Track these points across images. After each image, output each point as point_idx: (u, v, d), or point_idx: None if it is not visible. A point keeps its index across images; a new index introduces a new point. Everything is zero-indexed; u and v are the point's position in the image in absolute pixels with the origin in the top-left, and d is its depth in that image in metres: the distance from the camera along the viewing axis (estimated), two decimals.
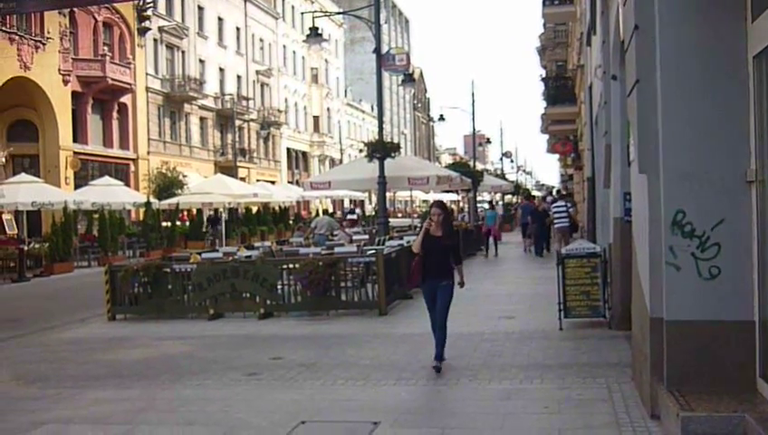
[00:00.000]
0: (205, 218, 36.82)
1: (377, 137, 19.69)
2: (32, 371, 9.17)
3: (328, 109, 74.15)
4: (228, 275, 12.50)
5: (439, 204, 8.62)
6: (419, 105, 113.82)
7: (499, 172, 68.45)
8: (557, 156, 55.44)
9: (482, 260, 23.87)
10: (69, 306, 15.85)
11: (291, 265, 12.64)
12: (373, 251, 13.47)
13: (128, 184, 37.68)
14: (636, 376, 6.93)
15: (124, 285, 12.82)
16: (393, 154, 19.57)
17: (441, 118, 44.93)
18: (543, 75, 43.09)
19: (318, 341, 10.23)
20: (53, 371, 9.04)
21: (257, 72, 58.84)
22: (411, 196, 37.33)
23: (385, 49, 20.68)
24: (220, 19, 53.19)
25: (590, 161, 17.19)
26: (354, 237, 19.63)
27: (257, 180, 51.14)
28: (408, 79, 22.85)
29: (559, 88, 32.38)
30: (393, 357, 8.93)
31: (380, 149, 19.11)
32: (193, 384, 8.02)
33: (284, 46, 65.18)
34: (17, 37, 33.00)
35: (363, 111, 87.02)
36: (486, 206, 38.86)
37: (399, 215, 62.01)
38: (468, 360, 8.57)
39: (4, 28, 31.75)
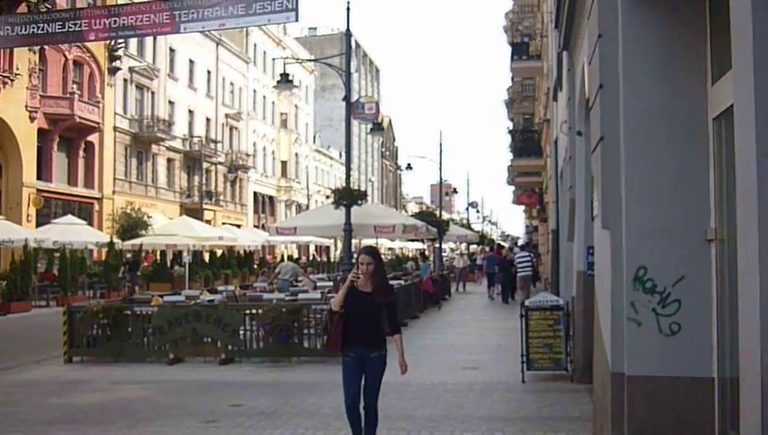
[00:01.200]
0: (123, 261, 33.01)
1: (344, 184, 19.75)
2: None
3: (296, 154, 74.35)
4: (190, 319, 12.35)
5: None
6: (387, 153, 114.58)
7: (465, 222, 68.90)
8: (522, 207, 56.08)
9: (446, 309, 23.84)
10: (24, 347, 15.51)
11: (254, 311, 12.54)
12: None
13: (91, 223, 37.24)
14: (596, 430, 6.94)
15: (83, 327, 12.60)
16: (360, 202, 19.61)
17: (408, 167, 45.26)
18: (510, 128, 43.75)
19: (279, 388, 10.11)
20: (4, 414, 8.79)
21: (226, 116, 58.91)
22: (377, 243, 37.30)
23: (355, 97, 20.87)
24: (191, 61, 53.34)
25: (555, 214, 17.40)
26: (318, 284, 19.60)
27: (223, 223, 50.90)
28: (377, 128, 23.03)
29: (525, 141, 32.89)
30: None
31: (347, 197, 19.14)
32: (149, 431, 7.86)
33: (254, 90, 65.47)
34: None
35: (331, 158, 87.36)
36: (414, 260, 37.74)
37: None
38: (430, 410, 8.51)
39: None
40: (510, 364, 11.04)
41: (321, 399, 9.31)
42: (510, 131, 40.69)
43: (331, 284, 19.75)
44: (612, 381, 5.90)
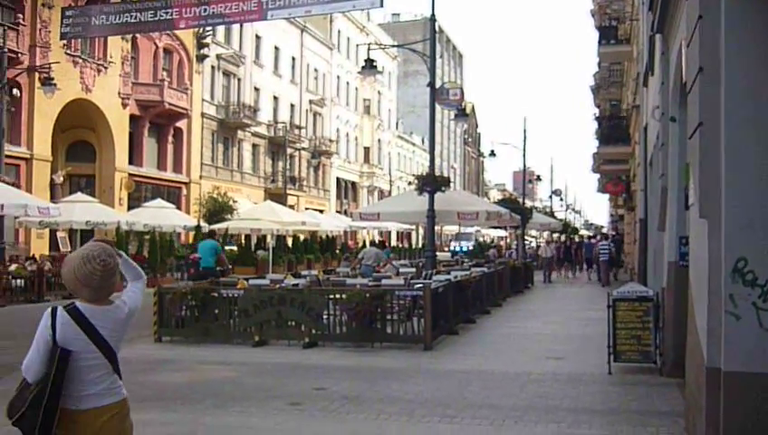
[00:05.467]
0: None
1: (427, 170, 19.68)
2: None
3: (379, 140, 74.56)
4: (275, 303, 12.51)
5: None
6: (470, 140, 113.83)
7: (548, 210, 67.94)
8: (607, 196, 54.87)
9: (529, 298, 23.57)
10: None
11: (338, 296, 12.61)
12: (421, 285, 13.37)
13: (179, 207, 38.20)
14: (689, 427, 6.72)
15: (172, 308, 12.91)
16: (443, 188, 19.53)
17: (492, 153, 44.83)
18: (597, 114, 42.77)
19: (362, 373, 10.15)
20: None
21: (310, 102, 59.50)
22: (459, 230, 37.14)
23: (438, 83, 20.73)
24: (276, 48, 54.01)
25: (643, 202, 16.93)
26: (401, 270, 19.60)
27: (306, 208, 51.48)
28: (461, 113, 22.87)
29: (612, 127, 32.11)
30: (437, 394, 8.79)
31: (431, 183, 19.09)
32: (236, 411, 7.99)
33: (338, 77, 65.89)
34: (80, 60, 33.93)
35: (414, 144, 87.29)
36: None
37: (446, 249, 61.78)
38: (514, 400, 8.40)
39: (68, 51, 32.65)
40: (595, 355, 10.82)
41: (405, 385, 9.31)
42: (596, 118, 39.83)
43: (414, 270, 19.70)
44: (707, 376, 5.69)
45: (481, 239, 63.67)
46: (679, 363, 8.90)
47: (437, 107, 20.98)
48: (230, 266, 22.61)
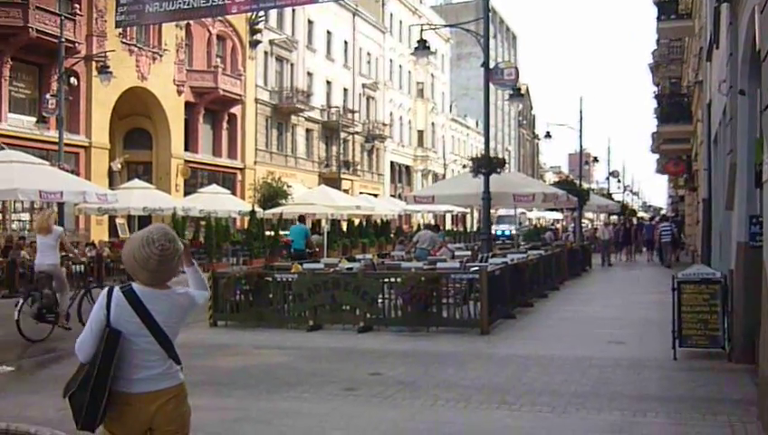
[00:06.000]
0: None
1: (481, 152, 19.34)
2: None
3: (432, 123, 74.09)
4: (329, 287, 12.40)
5: None
6: (524, 122, 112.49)
7: (605, 192, 66.72)
8: (666, 176, 53.62)
9: (587, 282, 23.10)
10: None
11: (392, 279, 12.43)
12: (477, 268, 13.10)
13: (234, 193, 38.53)
14: (763, 416, 6.37)
15: (227, 292, 12.89)
16: (499, 170, 19.17)
17: (548, 135, 44.06)
18: (656, 93, 41.71)
19: (418, 358, 9.96)
20: None
21: (363, 86, 59.36)
22: (515, 212, 36.65)
23: (492, 64, 20.31)
24: (329, 33, 53.95)
25: (707, 182, 16.38)
26: (456, 253, 19.35)
27: (360, 193, 51.46)
28: (516, 94, 22.39)
29: (673, 106, 31.24)
30: (495, 379, 8.56)
31: (486, 165, 18.74)
32: (290, 396, 7.88)
33: (391, 60, 65.58)
34: (136, 49, 34.31)
35: (468, 127, 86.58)
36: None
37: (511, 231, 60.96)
38: (576, 386, 8.11)
39: (124, 40, 33.03)
40: (659, 340, 10.45)
41: (461, 370, 9.09)
42: (656, 96, 38.82)
43: (469, 253, 19.43)
44: None
45: (527, 222, 62.39)
46: (749, 349, 8.51)
47: (492, 88, 20.59)
48: (317, 249, 23.44)
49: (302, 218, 22.99)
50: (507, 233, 45.77)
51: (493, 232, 47.00)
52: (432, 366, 9.36)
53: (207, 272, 14.96)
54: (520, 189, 20.87)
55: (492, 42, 34.57)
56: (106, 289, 3.56)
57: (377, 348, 10.80)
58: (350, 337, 11.76)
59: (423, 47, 20.01)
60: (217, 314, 13.10)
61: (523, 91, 48.30)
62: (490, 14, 19.36)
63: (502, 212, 48.93)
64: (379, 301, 12.34)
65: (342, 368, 9.36)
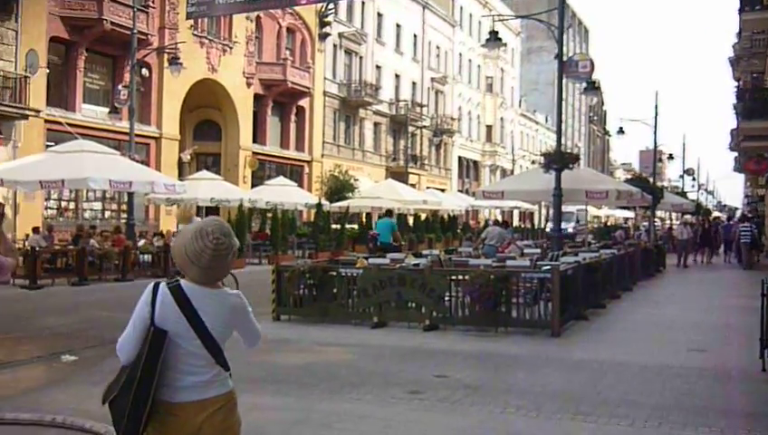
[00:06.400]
0: None
1: (550, 148, 18.76)
2: None
3: (501, 118, 73.09)
4: (395, 283, 12.03)
5: None
6: (595, 118, 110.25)
7: (678, 190, 64.79)
8: (743, 175, 51.68)
9: (662, 283, 22.23)
10: None
11: (460, 277, 12.01)
12: (548, 266, 12.57)
13: (301, 185, 38.54)
14: None
15: (290, 286, 12.65)
16: (571, 166, 18.54)
17: (621, 130, 42.71)
18: (737, 87, 40.13)
19: (486, 360, 9.53)
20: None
21: (432, 80, 58.82)
22: (586, 210, 35.66)
23: (565, 57, 19.65)
24: (398, 26, 53.58)
25: None
26: (525, 251, 18.79)
27: (427, 187, 51.03)
28: (591, 87, 21.67)
29: (758, 101, 29.87)
30: (569, 386, 8.07)
31: (558, 160, 18.13)
32: (352, 398, 7.55)
33: (460, 54, 64.85)
34: (207, 41, 34.54)
35: (537, 122, 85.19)
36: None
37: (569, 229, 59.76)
38: (656, 398, 7.57)
39: (195, 32, 33.27)
40: (744, 348, 9.81)
41: (532, 375, 8.63)
42: (738, 91, 37.30)
43: (538, 251, 18.84)
44: None
45: (588, 219, 60.42)
46: None
47: (563, 82, 19.93)
48: (404, 243, 23.72)
49: (389, 212, 23.26)
50: (565, 230, 44.13)
51: (548, 229, 45.66)
52: (501, 370, 8.93)
53: (273, 264, 14.82)
54: (593, 186, 20.16)
55: (563, 35, 33.67)
56: (151, 284, 3.24)
57: (443, 348, 10.41)
58: (415, 335, 11.39)
59: (495, 38, 19.50)
60: (280, 307, 12.87)
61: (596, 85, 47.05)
62: (556, 9, 18.73)
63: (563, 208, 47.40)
64: (446, 299, 11.94)
65: (407, 369, 9.00)
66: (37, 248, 18.72)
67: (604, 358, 9.69)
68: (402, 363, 9.37)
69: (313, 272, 12.67)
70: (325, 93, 44.29)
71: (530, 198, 24.86)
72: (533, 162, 68.55)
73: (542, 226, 53.28)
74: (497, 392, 7.74)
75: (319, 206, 31.32)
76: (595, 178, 23.69)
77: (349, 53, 47.56)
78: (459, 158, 64.61)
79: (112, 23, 28.11)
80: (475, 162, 68.62)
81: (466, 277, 11.83)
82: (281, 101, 40.86)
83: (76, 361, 9.68)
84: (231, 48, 35.97)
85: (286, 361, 9.48)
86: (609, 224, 59.66)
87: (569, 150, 53.21)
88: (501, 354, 9.93)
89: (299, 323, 12.54)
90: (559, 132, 19.11)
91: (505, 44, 26.93)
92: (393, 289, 12.06)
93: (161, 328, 3.13)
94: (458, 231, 42.32)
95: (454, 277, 12.14)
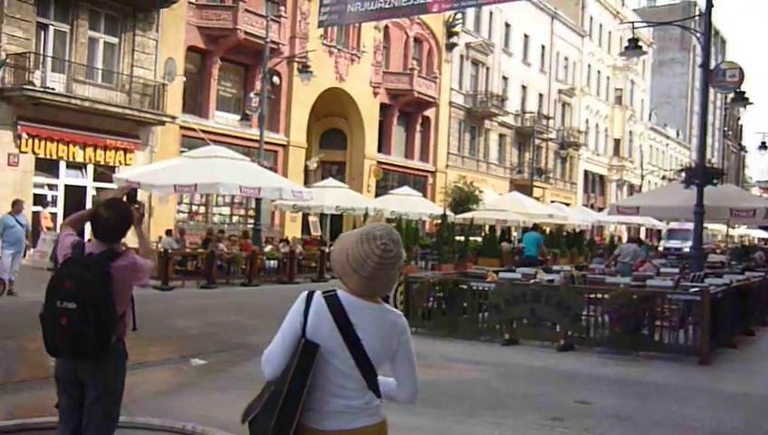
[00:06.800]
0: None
1: (682, 164, 17.68)
2: None
3: (630, 132, 70.66)
4: (528, 299, 11.46)
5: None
6: (730, 133, 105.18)
7: None
8: None
9: None
10: None
11: (598, 295, 11.32)
12: (697, 289, 11.70)
13: (424, 195, 38.25)
14: None
15: (419, 298, 12.29)
16: (715, 181, 17.42)
17: (763, 146, 40.47)
18: None
19: (630, 386, 8.85)
20: None
21: (559, 91, 57.48)
22: (728, 230, 33.79)
23: (698, 70, 18.51)
24: (526, 36, 52.66)
25: None
26: (661, 270, 17.77)
27: (551, 201, 49.77)
28: (739, 97, 20.38)
29: None
30: (729, 423, 7.31)
31: (701, 175, 17.06)
32: (488, 422, 7.08)
33: (589, 65, 63.12)
34: (336, 50, 34.85)
35: (668, 136, 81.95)
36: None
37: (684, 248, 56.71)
38: None
39: (324, 42, 33.63)
40: None
41: (684, 407, 7.91)
42: None
43: (677, 271, 17.76)
44: None
45: (711, 238, 56.71)
46: None
47: (690, 96, 18.79)
48: (549, 257, 23.87)
49: (535, 226, 23.51)
50: (678, 249, 41.31)
51: (661, 247, 42.93)
52: (649, 399, 8.24)
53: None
54: (738, 203, 18.89)
55: (697, 45, 32.03)
56: (305, 293, 2.90)
57: (581, 371, 9.78)
58: (548, 355, 10.80)
59: (634, 45, 18.63)
60: (409, 320, 12.47)
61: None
62: (697, 17, 17.66)
63: (674, 226, 44.40)
64: (583, 318, 11.28)
65: (544, 392, 8.45)
66: (169, 251, 19.15)
67: (762, 392, 8.84)
68: (538, 386, 8.83)
69: (444, 284, 12.26)
70: (451, 104, 43.94)
71: (667, 214, 23.67)
72: (664, 178, 65.90)
73: (655, 243, 50.26)
74: (648, 426, 7.11)
75: (444, 217, 30.88)
76: (740, 194, 22.29)
77: (475, 63, 47.05)
78: (585, 171, 62.83)
79: (246, 32, 28.71)
80: (602, 176, 66.57)
81: (605, 296, 11.15)
82: (406, 110, 40.78)
83: (205, 365, 9.64)
84: (359, 57, 36.18)
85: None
86: (746, 245, 56.43)
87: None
88: (646, 382, 9.21)
89: (426, 337, 12.10)
90: (702, 144, 17.99)
91: (646, 53, 25.83)
92: (527, 305, 11.50)
93: (313, 341, 2.79)
94: (584, 246, 40.89)
95: (591, 295, 11.47)
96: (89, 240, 4.38)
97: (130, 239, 4.59)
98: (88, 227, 4.50)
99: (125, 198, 4.55)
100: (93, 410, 4.18)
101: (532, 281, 12.54)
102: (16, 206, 15.79)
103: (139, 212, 4.55)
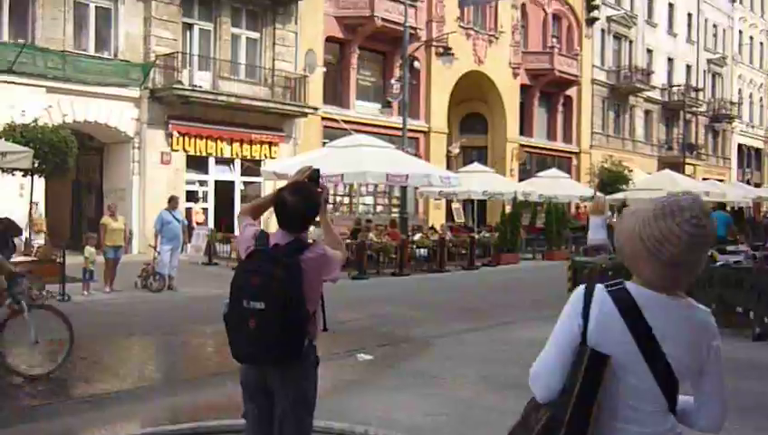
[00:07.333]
0: None
1: None
2: (500, 374, 8.21)
3: None
4: (715, 283, 10.42)
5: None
6: None
7: None
8: None
9: None
10: (519, 300, 15.07)
11: None
12: None
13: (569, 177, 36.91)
14: None
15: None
16: None
17: None
18: None
19: None
20: (520, 376, 7.93)
21: (709, 62, 54.24)
22: None
23: None
24: (671, 5, 49.93)
25: None
26: None
27: (704, 179, 47.03)
28: None
29: None
30: None
31: None
32: None
33: (740, 32, 59.23)
34: (473, 32, 34.05)
35: None
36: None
37: None
38: None
39: (461, 24, 32.91)
40: None
41: None
42: None
43: None
44: None
45: None
46: None
47: None
48: (739, 237, 23.18)
49: (722, 206, 22.98)
50: None
51: None
52: None
53: (548, 260, 13.69)
54: None
55: None
56: (581, 287, 2.25)
57: None
58: (741, 346, 9.72)
59: None
60: None
61: None
62: None
63: None
64: None
65: (752, 388, 7.49)
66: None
67: None
68: (744, 380, 7.85)
69: (616, 269, 11.33)
70: (593, 81, 42.20)
71: None
72: None
73: None
74: None
75: (593, 199, 29.57)
76: None
77: (618, 37, 44.98)
78: (739, 145, 59.13)
79: (383, 19, 28.43)
80: (758, 150, 62.47)
81: None
82: (547, 91, 39.46)
83: (371, 360, 9.24)
84: (497, 38, 35.22)
85: None
86: None
87: None
88: None
89: None
90: None
91: None
92: (713, 290, 10.44)
93: (600, 352, 2.14)
94: (744, 224, 38.31)
95: None
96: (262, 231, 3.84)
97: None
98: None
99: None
100: (286, 423, 3.73)
101: (719, 263, 11.39)
102: (173, 202, 16.01)
103: (324, 197, 4.06)
